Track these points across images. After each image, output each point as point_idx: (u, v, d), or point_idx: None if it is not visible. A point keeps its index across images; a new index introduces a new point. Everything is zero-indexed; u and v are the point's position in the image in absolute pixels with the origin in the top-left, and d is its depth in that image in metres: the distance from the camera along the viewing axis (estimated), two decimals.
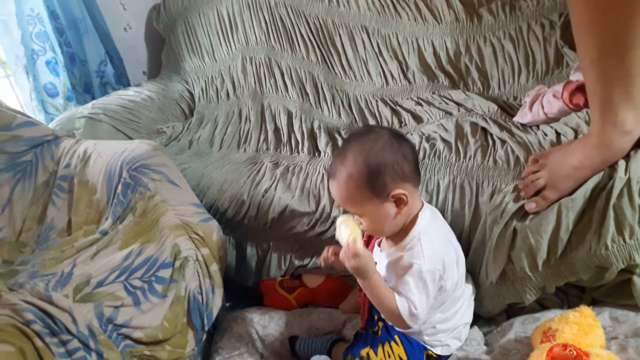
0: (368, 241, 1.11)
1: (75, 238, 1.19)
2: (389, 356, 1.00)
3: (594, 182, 1.00)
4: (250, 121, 1.55)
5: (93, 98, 1.83)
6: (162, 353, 1.04)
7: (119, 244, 1.10)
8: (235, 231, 1.34)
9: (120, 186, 1.21)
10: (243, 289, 1.39)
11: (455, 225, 1.15)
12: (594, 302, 1.07)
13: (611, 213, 0.97)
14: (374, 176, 0.94)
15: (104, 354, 0.95)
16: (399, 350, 1.00)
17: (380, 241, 1.08)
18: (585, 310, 0.91)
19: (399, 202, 0.95)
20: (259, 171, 1.36)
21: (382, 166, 0.94)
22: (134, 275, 1.05)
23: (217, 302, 1.18)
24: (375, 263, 0.97)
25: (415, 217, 0.99)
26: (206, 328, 1.14)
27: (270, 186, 1.32)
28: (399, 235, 1.00)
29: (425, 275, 0.93)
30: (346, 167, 0.95)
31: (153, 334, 1.02)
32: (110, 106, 1.63)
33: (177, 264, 1.10)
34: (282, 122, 1.51)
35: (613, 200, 0.97)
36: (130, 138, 1.58)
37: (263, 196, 1.32)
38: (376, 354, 1.00)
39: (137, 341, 1.01)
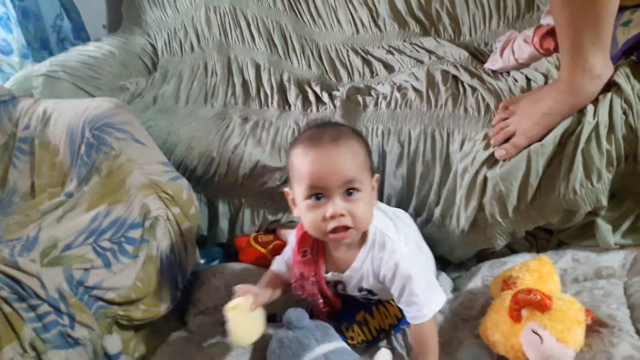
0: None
1: (40, 201, 1.15)
2: (386, 317, 1.00)
3: (563, 127, 1.00)
4: (216, 75, 1.50)
5: (51, 55, 1.74)
6: (136, 312, 1.04)
7: (86, 206, 1.07)
8: (205, 189, 1.32)
9: (83, 146, 1.17)
10: (217, 246, 1.38)
11: (426, 177, 1.16)
12: (560, 244, 1.09)
13: (579, 158, 0.98)
14: (368, 154, 0.91)
15: (76, 316, 0.94)
16: (394, 309, 1.00)
17: (321, 268, 0.97)
18: (544, 258, 0.94)
19: (373, 187, 0.91)
20: (227, 127, 1.33)
21: (366, 140, 0.92)
22: (102, 237, 1.03)
23: (190, 260, 1.17)
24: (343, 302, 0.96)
25: None
26: (180, 286, 1.14)
27: (240, 142, 1.30)
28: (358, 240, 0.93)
29: (418, 264, 0.92)
30: (347, 133, 0.89)
31: (126, 295, 1.01)
32: (70, 63, 1.55)
33: (147, 224, 1.08)
34: (250, 75, 1.47)
35: (581, 145, 0.98)
36: (92, 96, 1.52)
37: (233, 152, 1.29)
38: (373, 316, 1.00)
39: (110, 302, 1.00)
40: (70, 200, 1.10)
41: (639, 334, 0.83)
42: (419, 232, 1.10)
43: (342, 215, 0.84)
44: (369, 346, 0.99)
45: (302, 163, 0.85)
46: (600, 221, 1.02)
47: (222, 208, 1.34)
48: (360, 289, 0.96)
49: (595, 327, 0.84)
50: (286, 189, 0.95)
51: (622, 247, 1.01)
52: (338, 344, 0.92)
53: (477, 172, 1.06)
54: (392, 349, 0.95)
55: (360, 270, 0.92)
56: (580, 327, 0.80)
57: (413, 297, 0.87)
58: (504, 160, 1.03)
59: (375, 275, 0.91)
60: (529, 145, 1.01)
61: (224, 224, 1.34)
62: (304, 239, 0.96)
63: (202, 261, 1.31)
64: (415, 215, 1.18)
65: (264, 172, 1.27)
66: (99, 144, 1.15)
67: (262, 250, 1.30)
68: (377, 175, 0.92)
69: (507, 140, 1.04)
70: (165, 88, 1.52)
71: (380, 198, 1.20)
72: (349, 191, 0.85)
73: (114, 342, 1.02)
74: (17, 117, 1.30)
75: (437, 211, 1.14)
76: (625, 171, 1.00)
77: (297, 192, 0.89)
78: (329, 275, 0.96)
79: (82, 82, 1.54)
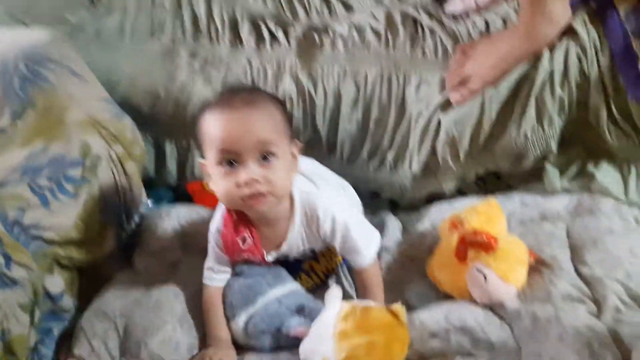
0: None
1: None
2: (331, 258, 0.99)
3: (518, 72, 1.01)
4: (164, 7, 1.41)
5: None
6: (78, 253, 1.00)
7: (20, 142, 1.01)
8: (151, 128, 1.26)
9: (17, 79, 1.08)
10: (166, 188, 1.33)
11: (381, 121, 1.14)
12: (509, 188, 1.11)
13: (533, 103, 0.99)
14: (287, 119, 0.84)
15: (12, 256, 0.89)
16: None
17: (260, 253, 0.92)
18: (492, 201, 0.95)
19: (294, 154, 0.86)
20: (175, 63, 1.26)
21: (285, 106, 0.87)
22: (39, 174, 0.97)
23: (136, 201, 1.14)
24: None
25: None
26: (125, 227, 1.10)
27: (188, 80, 1.24)
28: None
29: (350, 209, 0.92)
30: (262, 95, 0.84)
31: (66, 234, 0.97)
32: None
33: (88, 162, 1.03)
34: (201, 8, 1.39)
35: (535, 90, 0.99)
36: (28, 27, 1.41)
37: (181, 91, 1.23)
38: (319, 262, 0.99)
39: (49, 242, 0.96)
40: (2, 136, 1.03)
41: (578, 273, 0.86)
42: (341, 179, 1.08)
43: (257, 181, 0.78)
44: (319, 288, 0.99)
45: (213, 127, 0.80)
46: (549, 166, 1.04)
47: (170, 149, 1.28)
48: (302, 252, 0.95)
49: (538, 267, 0.87)
50: (201, 161, 0.89)
51: (568, 191, 1.04)
52: (292, 286, 0.92)
53: (431, 117, 1.06)
54: (342, 287, 0.96)
55: (297, 240, 0.90)
56: (523, 267, 0.83)
57: (353, 244, 0.88)
58: (458, 104, 1.03)
59: (314, 236, 0.89)
60: (483, 90, 1.01)
61: (172, 165, 1.29)
62: (236, 224, 0.90)
63: (149, 203, 1.27)
64: (368, 159, 1.17)
65: None
66: (34, 78, 1.07)
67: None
68: (299, 143, 0.86)
69: (462, 84, 1.04)
70: (109, 21, 1.43)
71: (334, 143, 1.19)
72: (265, 156, 0.79)
73: (55, 283, 0.98)
74: None
75: (390, 155, 1.13)
76: (576, 117, 1.02)
77: (209, 160, 0.83)
78: (270, 257, 0.92)
79: (18, 11, 1.42)
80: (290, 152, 0.84)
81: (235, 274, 0.94)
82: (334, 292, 0.83)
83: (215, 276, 0.94)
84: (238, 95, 0.82)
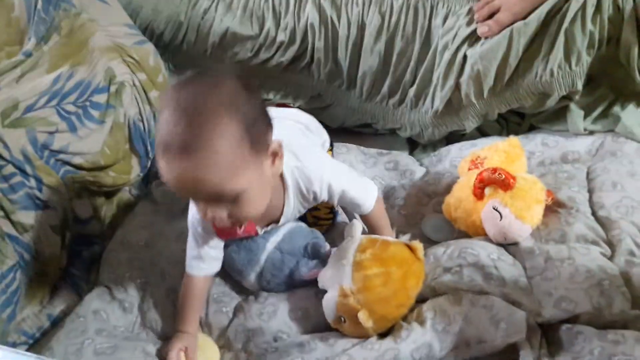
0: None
1: None
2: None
3: (550, 5, 0.97)
4: None
5: None
6: (106, 179, 1.03)
7: (47, 67, 1.01)
8: (173, 57, 1.26)
9: (40, 1, 1.08)
10: None
11: (404, 54, 1.11)
12: (531, 128, 1.10)
13: (562, 38, 0.96)
14: (251, 126, 0.66)
15: (43, 179, 0.93)
16: None
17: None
18: (513, 140, 0.95)
19: (274, 156, 0.72)
20: None
21: (257, 112, 0.68)
22: (66, 100, 0.99)
23: None
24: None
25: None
26: (150, 155, 1.12)
27: (210, 6, 1.21)
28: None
29: (343, 169, 0.87)
30: (208, 127, 0.63)
31: (94, 160, 1.00)
32: None
33: (113, 88, 1.04)
34: None
35: (565, 24, 0.95)
36: None
37: (202, 18, 1.21)
38: (319, 208, 0.98)
39: (78, 167, 0.99)
40: (29, 59, 1.03)
41: (595, 215, 0.87)
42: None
43: (224, 219, 0.70)
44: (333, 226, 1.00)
45: (159, 168, 0.67)
46: (573, 106, 1.02)
47: None
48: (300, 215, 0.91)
49: (555, 207, 0.87)
50: None
51: (591, 132, 1.02)
52: (283, 229, 0.90)
53: (457, 50, 1.03)
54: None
55: (293, 211, 0.84)
56: (539, 206, 0.84)
57: (351, 201, 0.86)
58: (486, 37, 1.00)
59: (311, 203, 0.85)
60: (512, 23, 0.98)
61: None
62: None
63: None
64: (388, 96, 1.15)
65: (234, 41, 1.21)
66: (58, 0, 1.07)
67: None
68: (276, 142, 0.72)
69: (491, 16, 1.00)
70: None
71: (355, 77, 1.17)
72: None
73: (84, 207, 1.02)
74: None
75: (412, 91, 1.12)
76: (605, 55, 0.99)
77: None
78: (267, 229, 0.88)
79: None
80: (261, 166, 0.70)
81: (226, 245, 0.89)
82: (354, 226, 0.85)
83: (204, 265, 0.85)
84: (177, 131, 0.63)
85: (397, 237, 0.92)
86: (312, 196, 0.82)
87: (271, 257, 0.88)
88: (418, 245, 0.81)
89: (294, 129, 0.93)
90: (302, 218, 0.94)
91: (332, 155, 1.03)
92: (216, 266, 0.87)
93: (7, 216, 0.89)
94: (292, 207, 0.83)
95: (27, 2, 1.11)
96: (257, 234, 0.88)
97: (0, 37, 1.14)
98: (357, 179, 0.88)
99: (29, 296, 0.93)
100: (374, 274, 0.77)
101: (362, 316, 0.75)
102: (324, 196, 0.82)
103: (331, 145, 1.02)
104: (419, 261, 0.80)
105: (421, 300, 0.80)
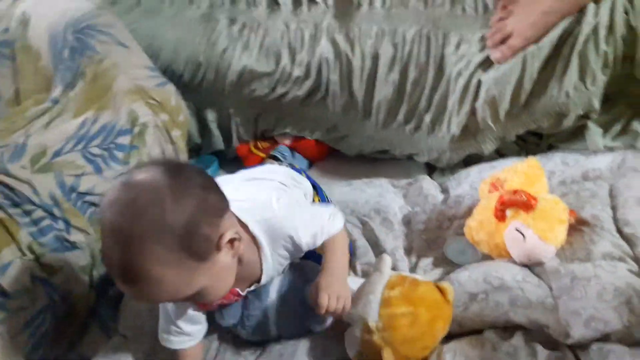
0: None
1: (26, 107, 1.13)
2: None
3: (562, 28, 0.98)
4: None
5: None
6: None
7: (73, 112, 1.06)
8: (194, 96, 1.29)
9: (66, 50, 1.13)
10: (212, 154, 1.37)
11: (419, 82, 1.13)
12: (549, 148, 1.10)
13: (575, 60, 0.96)
14: (189, 238, 0.63)
15: (71, 220, 0.96)
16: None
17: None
18: (532, 161, 0.94)
19: (232, 242, 0.69)
20: (214, 29, 1.27)
21: (191, 218, 0.63)
22: (92, 143, 1.02)
23: None
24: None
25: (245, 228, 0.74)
26: None
27: (228, 46, 1.25)
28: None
29: (300, 213, 0.81)
30: (140, 257, 0.61)
31: None
32: None
33: (136, 130, 1.07)
34: None
35: (579, 46, 0.96)
36: None
37: (221, 57, 1.25)
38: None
39: None
40: (56, 106, 1.08)
41: (620, 232, 0.85)
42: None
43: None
44: None
45: None
46: (591, 124, 1.02)
47: (211, 116, 1.32)
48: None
49: (579, 226, 0.86)
50: None
51: (611, 149, 1.02)
52: (274, 286, 0.85)
53: (471, 76, 1.04)
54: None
55: (274, 267, 0.80)
56: (562, 226, 0.83)
57: (324, 237, 0.80)
58: (500, 63, 1.01)
59: (292, 252, 0.80)
60: (525, 48, 0.99)
61: (216, 132, 1.33)
62: None
63: None
64: (404, 123, 1.16)
65: (251, 78, 1.24)
66: (82, 48, 1.12)
67: (263, 155, 1.30)
68: (230, 230, 0.68)
69: (503, 41, 1.02)
70: None
71: (370, 106, 1.19)
72: None
73: None
74: None
75: (428, 117, 1.13)
76: (620, 74, 0.99)
77: None
78: (251, 289, 0.82)
79: None
80: (213, 262, 0.67)
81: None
82: (384, 260, 0.82)
83: (187, 339, 0.82)
84: (114, 263, 0.63)
85: (418, 261, 0.92)
86: (291, 243, 0.77)
87: (281, 324, 0.85)
88: (448, 287, 0.77)
89: (266, 186, 0.89)
90: None
91: (320, 200, 0.99)
92: (199, 335, 0.83)
93: (37, 259, 0.91)
94: (271, 262, 0.78)
95: (53, 51, 1.17)
96: (240, 296, 0.81)
97: (29, 85, 1.21)
98: (321, 213, 0.83)
99: (59, 336, 0.94)
100: (401, 313, 0.74)
101: (386, 355, 0.73)
102: (303, 243, 0.77)
103: (315, 189, 0.99)
104: (448, 304, 0.77)
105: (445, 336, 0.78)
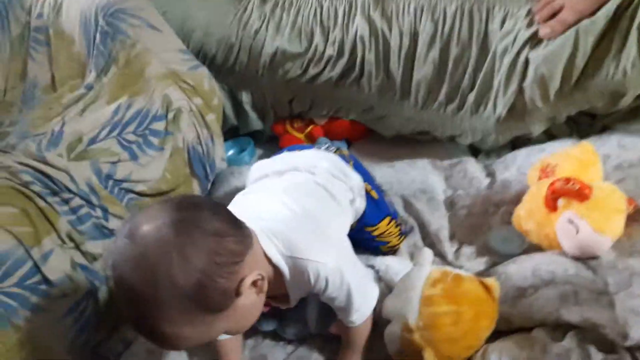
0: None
1: (62, 94, 1.13)
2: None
3: (617, 0, 0.90)
4: None
5: None
6: None
7: (107, 98, 1.05)
8: (227, 79, 1.27)
9: (98, 35, 1.12)
10: (247, 136, 1.35)
11: (461, 60, 1.08)
12: (604, 129, 1.04)
13: (634, 34, 0.90)
14: (203, 296, 0.60)
15: (109, 208, 0.95)
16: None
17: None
18: (586, 145, 0.89)
19: (256, 283, 0.66)
20: (246, 9, 1.25)
21: (202, 275, 0.59)
22: (126, 129, 1.02)
23: (218, 151, 1.17)
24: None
25: (269, 260, 0.70)
26: (210, 178, 1.14)
27: (261, 26, 1.22)
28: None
29: (339, 263, 0.72)
30: (153, 317, 0.60)
31: (156, 186, 1.02)
32: None
33: (170, 115, 1.06)
34: None
35: (638, 20, 0.90)
36: None
37: (253, 38, 1.22)
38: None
39: (141, 194, 1.01)
40: (90, 92, 1.08)
41: None
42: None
43: None
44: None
45: None
46: None
47: (246, 98, 1.29)
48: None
49: (638, 216, 0.81)
50: None
51: None
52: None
53: (518, 53, 0.99)
54: None
55: (299, 290, 0.75)
56: (620, 216, 0.78)
57: (343, 305, 0.75)
58: (549, 39, 0.96)
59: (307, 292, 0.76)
60: (577, 22, 0.93)
61: (252, 113, 1.31)
62: None
63: (231, 152, 1.30)
64: (446, 103, 1.12)
65: (284, 59, 1.20)
66: (114, 32, 1.11)
67: (299, 135, 1.29)
68: (252, 273, 0.64)
69: (553, 16, 0.96)
70: None
71: (409, 87, 1.14)
72: None
73: None
74: (29, 4, 1.25)
75: (471, 97, 1.08)
76: None
77: None
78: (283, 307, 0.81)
79: None
80: (234, 306, 0.64)
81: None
82: (425, 255, 0.79)
83: None
84: (133, 321, 0.63)
85: (459, 249, 0.88)
86: (307, 288, 0.73)
87: (322, 326, 0.85)
88: (494, 283, 0.74)
89: (299, 204, 0.78)
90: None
91: (371, 188, 0.92)
92: None
93: (77, 247, 0.91)
94: (295, 289, 0.74)
95: (86, 36, 1.16)
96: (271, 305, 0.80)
97: (64, 71, 1.21)
98: (362, 279, 0.78)
99: (101, 322, 0.96)
100: (443, 311, 0.71)
101: (427, 356, 0.71)
102: (318, 286, 0.72)
103: (367, 180, 0.93)
104: (493, 301, 0.74)
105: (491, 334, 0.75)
